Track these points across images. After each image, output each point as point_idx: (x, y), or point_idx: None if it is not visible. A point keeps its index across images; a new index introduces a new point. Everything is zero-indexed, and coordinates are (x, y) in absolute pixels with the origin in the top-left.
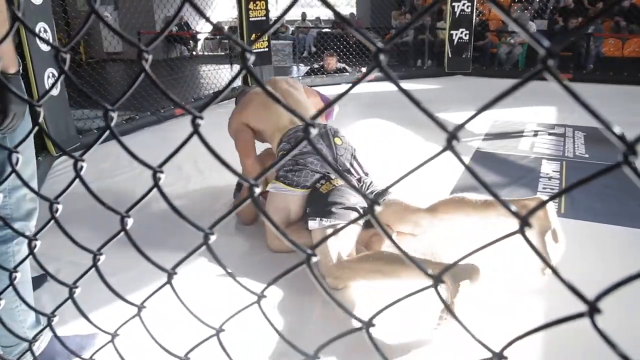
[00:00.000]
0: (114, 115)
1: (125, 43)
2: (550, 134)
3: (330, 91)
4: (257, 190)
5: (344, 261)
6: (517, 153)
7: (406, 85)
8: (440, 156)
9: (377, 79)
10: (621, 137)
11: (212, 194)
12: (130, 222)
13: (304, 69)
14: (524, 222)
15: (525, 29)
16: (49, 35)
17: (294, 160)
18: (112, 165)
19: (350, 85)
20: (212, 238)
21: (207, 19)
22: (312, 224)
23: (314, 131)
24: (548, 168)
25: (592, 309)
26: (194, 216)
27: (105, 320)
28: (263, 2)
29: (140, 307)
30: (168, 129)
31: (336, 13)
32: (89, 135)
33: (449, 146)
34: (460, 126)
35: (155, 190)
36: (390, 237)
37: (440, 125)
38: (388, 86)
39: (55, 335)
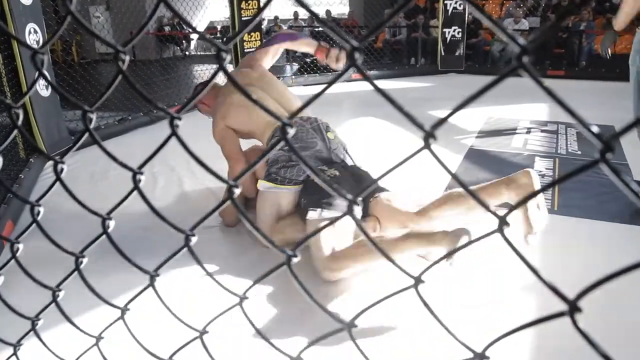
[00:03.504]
0: (93, 117)
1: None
2: (543, 131)
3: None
4: (237, 192)
5: (337, 252)
6: (510, 150)
7: (400, 83)
8: (436, 153)
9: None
10: (597, 135)
11: (206, 194)
12: (112, 224)
13: (296, 67)
14: (502, 222)
15: (501, 26)
16: (39, 36)
17: (288, 156)
18: (104, 167)
19: (326, 85)
20: (194, 240)
21: (181, 17)
22: (312, 214)
23: (291, 131)
24: (541, 165)
25: (573, 308)
26: (185, 216)
27: (91, 324)
28: (255, 1)
29: (124, 310)
30: (161, 129)
31: (312, 13)
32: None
33: (425, 145)
34: (437, 125)
35: (152, 192)
36: (369, 238)
37: (417, 124)
38: (382, 84)
39: (39, 339)
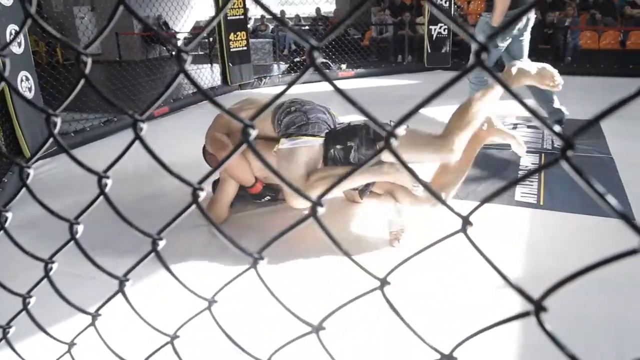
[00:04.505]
0: (57, 120)
1: (103, 44)
2: (529, 126)
3: (312, 89)
4: (202, 194)
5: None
6: (496, 146)
7: (386, 81)
8: None
9: (358, 75)
10: (558, 134)
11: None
12: (80, 229)
13: (284, 66)
14: (466, 222)
15: (460, 25)
16: (20, 37)
17: (306, 117)
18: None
19: (288, 85)
20: (161, 244)
21: (141, 20)
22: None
23: (253, 133)
24: (527, 160)
25: (538, 308)
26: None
27: (66, 330)
28: (241, 0)
29: (95, 316)
30: (147, 130)
31: (271, 13)
32: (66, 138)
33: (386, 145)
34: (397, 125)
35: (150, 194)
36: (414, 175)
37: (379, 124)
38: (371, 82)
39: (11, 347)
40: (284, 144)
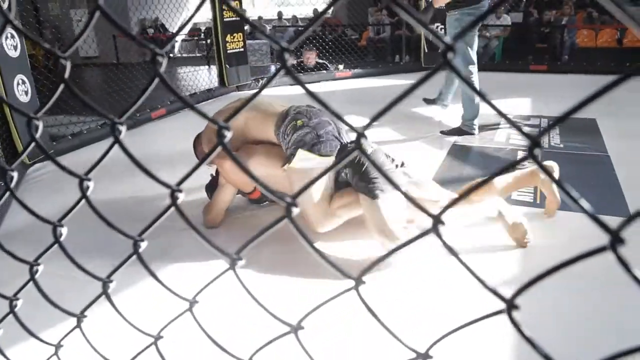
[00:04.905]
0: (39, 124)
1: (100, 47)
2: (526, 125)
3: (310, 89)
4: (181, 196)
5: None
6: (493, 145)
7: (383, 81)
8: (420, 150)
9: (355, 76)
10: (525, 133)
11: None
12: (64, 231)
13: None
14: (437, 221)
15: (426, 26)
16: (16, 41)
17: (316, 133)
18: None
19: (264, 85)
20: (143, 245)
21: (119, 26)
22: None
23: (228, 135)
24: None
25: (510, 306)
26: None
27: (51, 333)
28: (237, 2)
29: (80, 317)
30: (144, 132)
31: (242, 17)
32: (63, 142)
33: (356, 145)
34: (368, 125)
35: (140, 198)
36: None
37: (349, 125)
38: (368, 82)
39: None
40: (297, 162)
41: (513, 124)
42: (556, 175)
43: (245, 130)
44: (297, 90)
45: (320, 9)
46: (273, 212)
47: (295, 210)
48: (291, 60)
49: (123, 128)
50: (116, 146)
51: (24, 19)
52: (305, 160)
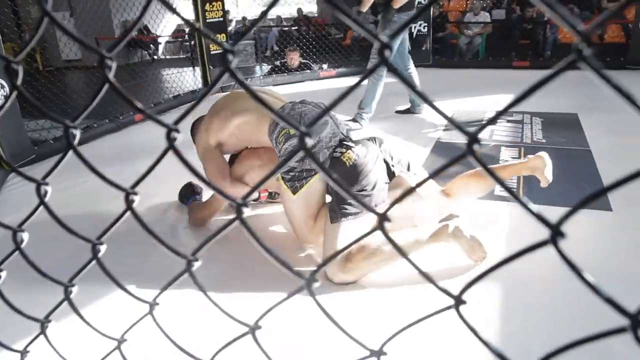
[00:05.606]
0: None
1: (82, 49)
2: (509, 121)
3: (294, 89)
4: (137, 199)
5: (354, 252)
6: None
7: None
8: (403, 147)
9: (339, 75)
10: (465, 131)
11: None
12: (25, 236)
13: (266, 68)
14: (382, 218)
15: (364, 27)
16: None
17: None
18: (66, 176)
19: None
20: (102, 249)
21: (71, 35)
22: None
23: (178, 137)
24: (507, 155)
25: (458, 302)
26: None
27: (18, 340)
28: (220, 2)
29: (45, 322)
30: (127, 136)
31: (185, 20)
32: (44, 146)
33: (301, 145)
34: (312, 123)
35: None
36: (396, 246)
37: (294, 126)
38: (352, 82)
39: None
40: (287, 192)
41: (452, 122)
42: (548, 164)
43: (240, 136)
44: (286, 89)
45: (304, 9)
46: (270, 215)
47: (246, 211)
48: (235, 62)
49: (77, 132)
50: (93, 153)
51: (2, 22)
52: (295, 196)
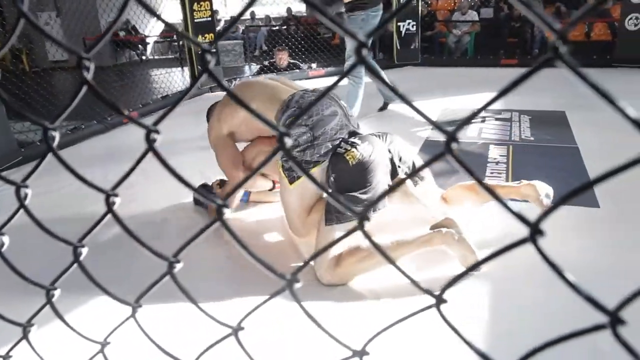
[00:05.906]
0: None
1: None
2: (497, 119)
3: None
4: (117, 201)
5: (344, 254)
6: (465, 140)
7: None
8: None
9: (328, 74)
10: (443, 130)
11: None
12: (6, 240)
13: (255, 68)
14: (363, 218)
15: (341, 26)
16: None
17: (312, 135)
18: (56, 178)
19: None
20: (84, 251)
21: (47, 34)
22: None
23: (157, 137)
24: (495, 153)
25: (439, 301)
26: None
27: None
28: (208, 2)
29: (27, 326)
30: (116, 137)
31: (163, 21)
32: (31, 148)
33: (280, 145)
34: (290, 124)
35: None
36: (379, 248)
37: (272, 126)
38: (342, 81)
39: None
40: (283, 181)
41: (430, 121)
42: (542, 193)
43: (249, 125)
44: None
45: (293, 8)
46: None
47: (226, 212)
48: (213, 62)
49: (56, 134)
50: (81, 154)
51: None
52: (293, 185)
